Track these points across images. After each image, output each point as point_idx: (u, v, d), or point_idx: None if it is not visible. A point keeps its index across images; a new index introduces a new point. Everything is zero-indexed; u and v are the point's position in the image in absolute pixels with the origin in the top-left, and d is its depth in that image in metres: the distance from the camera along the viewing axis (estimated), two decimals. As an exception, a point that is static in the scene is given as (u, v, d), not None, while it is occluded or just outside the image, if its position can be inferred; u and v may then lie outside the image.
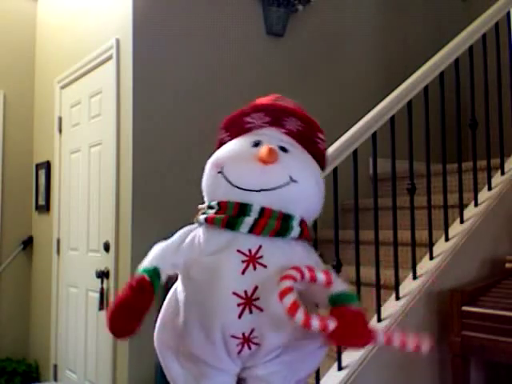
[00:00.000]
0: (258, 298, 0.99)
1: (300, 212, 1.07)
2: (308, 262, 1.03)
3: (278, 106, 1.14)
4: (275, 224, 1.02)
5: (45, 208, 3.87)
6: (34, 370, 3.80)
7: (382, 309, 2.20)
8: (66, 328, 3.51)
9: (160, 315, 1.14)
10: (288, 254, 1.03)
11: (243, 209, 1.03)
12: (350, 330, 0.94)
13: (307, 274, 0.97)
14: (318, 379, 2.01)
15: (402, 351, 0.97)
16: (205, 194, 1.13)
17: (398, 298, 2.23)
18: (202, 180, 1.15)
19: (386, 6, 3.89)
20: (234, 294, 0.99)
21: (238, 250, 1.02)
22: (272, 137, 1.12)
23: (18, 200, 4.03)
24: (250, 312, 0.99)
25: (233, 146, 1.13)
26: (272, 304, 0.98)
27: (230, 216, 1.03)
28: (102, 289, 2.98)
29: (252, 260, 1.01)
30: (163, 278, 1.06)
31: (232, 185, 1.05)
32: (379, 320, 2.17)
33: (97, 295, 3.01)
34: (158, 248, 1.11)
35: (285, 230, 1.03)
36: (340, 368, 2.05)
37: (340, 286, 1.00)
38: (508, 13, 2.83)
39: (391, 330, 2.09)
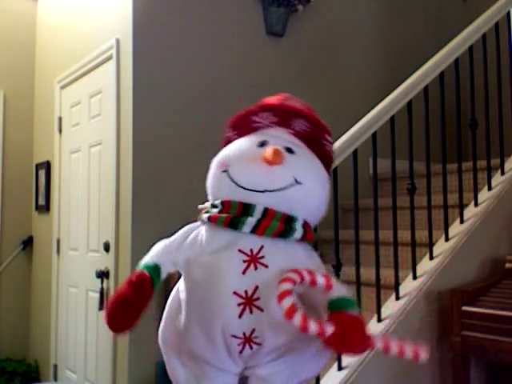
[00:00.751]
0: (258, 298, 0.99)
1: (304, 214, 1.06)
2: (309, 264, 1.02)
3: (286, 106, 1.12)
4: (278, 225, 1.02)
5: (45, 208, 3.87)
6: (34, 370, 3.80)
7: (382, 309, 2.20)
8: (66, 328, 3.51)
9: (164, 314, 1.14)
10: (290, 256, 1.02)
11: (246, 209, 1.03)
12: (347, 336, 0.92)
13: (307, 278, 0.96)
14: (318, 379, 2.01)
15: (400, 358, 0.96)
16: (209, 192, 1.13)
17: (397, 298, 2.23)
18: (205, 179, 1.14)
19: (385, 6, 3.90)
20: (235, 293, 0.99)
21: (240, 250, 1.01)
22: (278, 137, 1.11)
23: (18, 200, 4.02)
24: (251, 312, 0.99)
25: (239, 145, 1.12)
26: (272, 304, 0.97)
27: (233, 216, 1.03)
28: (101, 289, 2.98)
29: (253, 260, 1.01)
30: (163, 275, 1.07)
31: (236, 184, 1.05)
32: (379, 320, 2.17)
33: (97, 295, 3.02)
34: (159, 245, 1.11)
35: (287, 231, 1.03)
36: (340, 368, 2.05)
37: (339, 291, 0.99)
38: (508, 13, 2.84)
39: (389, 334, 2.09)
